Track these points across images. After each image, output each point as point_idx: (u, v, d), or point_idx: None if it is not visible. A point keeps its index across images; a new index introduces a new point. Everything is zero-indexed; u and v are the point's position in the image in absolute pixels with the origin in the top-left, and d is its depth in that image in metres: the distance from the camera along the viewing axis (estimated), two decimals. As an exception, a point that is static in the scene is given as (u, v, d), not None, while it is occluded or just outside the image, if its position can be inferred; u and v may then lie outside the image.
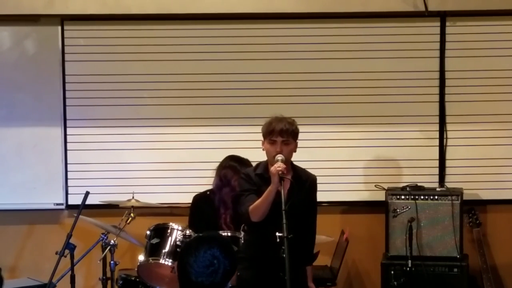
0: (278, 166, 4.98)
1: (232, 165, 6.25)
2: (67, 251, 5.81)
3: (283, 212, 4.86)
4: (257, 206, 5.09)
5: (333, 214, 6.79)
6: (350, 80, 6.73)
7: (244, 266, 5.22)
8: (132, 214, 6.21)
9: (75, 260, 5.98)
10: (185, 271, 3.41)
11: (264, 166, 5.17)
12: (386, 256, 6.40)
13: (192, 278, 3.40)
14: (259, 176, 5.17)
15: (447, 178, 6.71)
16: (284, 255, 4.81)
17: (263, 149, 5.19)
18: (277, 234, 4.90)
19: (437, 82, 6.72)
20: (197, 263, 3.40)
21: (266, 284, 5.11)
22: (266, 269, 5.08)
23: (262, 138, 5.19)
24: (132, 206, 6.29)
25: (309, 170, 6.61)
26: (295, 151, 5.21)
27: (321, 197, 6.71)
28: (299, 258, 5.19)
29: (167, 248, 5.71)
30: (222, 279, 3.43)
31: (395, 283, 6.28)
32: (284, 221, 4.84)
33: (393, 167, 6.75)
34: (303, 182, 5.23)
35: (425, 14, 6.56)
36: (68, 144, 6.86)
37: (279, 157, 5.04)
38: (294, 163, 5.25)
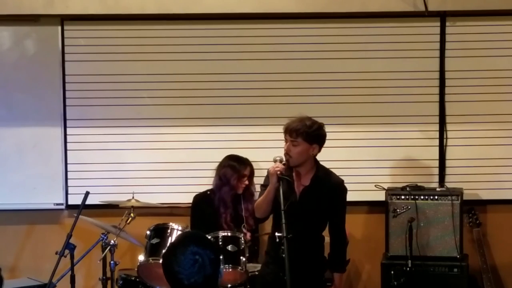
0: (276, 166, 5.00)
1: (232, 165, 6.27)
2: (67, 251, 5.81)
3: (282, 212, 4.88)
4: (258, 204, 5.15)
5: (333, 214, 6.78)
6: (350, 80, 6.73)
7: (267, 261, 5.32)
8: (132, 214, 6.21)
9: (75, 260, 5.98)
10: (176, 280, 3.41)
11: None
12: (386, 256, 6.40)
13: (185, 283, 3.40)
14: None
15: (447, 178, 6.71)
16: (284, 255, 4.83)
17: None
18: (277, 234, 4.92)
19: (437, 82, 6.72)
20: (182, 266, 3.39)
21: (279, 282, 5.10)
22: (281, 267, 5.07)
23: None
24: (132, 206, 6.29)
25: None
26: (313, 154, 5.19)
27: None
28: (312, 259, 5.25)
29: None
30: (212, 270, 3.43)
31: (395, 283, 6.27)
32: (283, 221, 4.86)
33: (393, 167, 6.75)
34: (322, 184, 5.21)
35: (425, 14, 6.56)
36: (68, 144, 6.86)
37: (278, 157, 5.06)
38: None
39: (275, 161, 5.07)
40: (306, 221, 5.16)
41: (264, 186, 5.25)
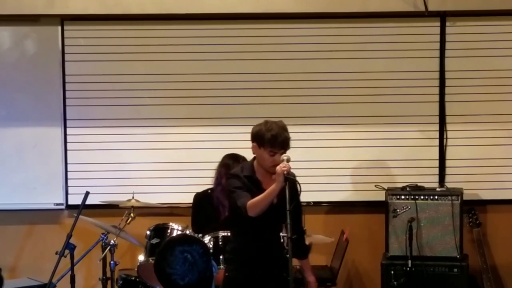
0: (283, 166, 4.94)
1: (226, 163, 6.22)
2: (67, 251, 5.80)
3: (288, 212, 4.85)
4: (257, 203, 5.02)
5: (333, 214, 6.79)
6: (350, 80, 6.73)
7: (234, 267, 5.18)
8: (132, 214, 6.21)
9: (75, 260, 5.97)
10: (171, 282, 3.41)
11: (250, 168, 5.12)
12: (386, 256, 6.40)
13: (180, 283, 3.40)
14: (247, 178, 5.11)
15: (447, 178, 6.71)
16: (288, 255, 4.82)
17: (253, 153, 5.11)
18: (281, 234, 4.90)
19: (437, 82, 6.72)
20: (174, 267, 3.40)
21: (258, 285, 5.09)
22: (258, 269, 5.06)
23: (253, 141, 5.09)
24: (132, 206, 6.29)
25: (309, 170, 6.63)
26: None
27: (321, 197, 6.74)
28: (280, 256, 5.19)
29: (167, 248, 5.70)
30: (203, 263, 3.43)
31: (395, 283, 6.28)
32: (289, 221, 4.84)
33: (393, 167, 6.75)
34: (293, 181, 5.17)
35: (425, 14, 6.56)
36: (68, 144, 6.86)
37: (285, 156, 5.00)
38: (291, 162, 5.20)
39: (282, 160, 5.04)
40: (280, 220, 5.12)
41: (238, 188, 5.06)
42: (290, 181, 4.98)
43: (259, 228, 4.99)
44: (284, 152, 5.01)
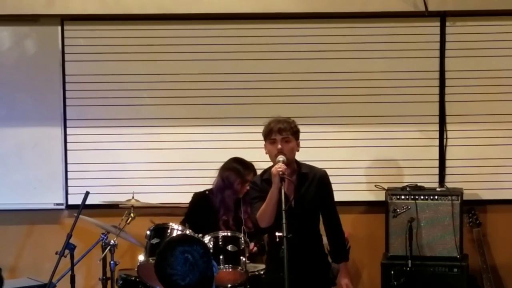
0: (278, 167, 4.99)
1: (236, 168, 6.23)
2: (67, 251, 5.81)
3: (283, 212, 4.87)
4: (263, 211, 5.10)
5: (333, 214, 6.78)
6: (350, 80, 6.73)
7: (268, 269, 5.33)
8: (132, 214, 6.21)
9: (75, 260, 5.98)
10: (172, 283, 3.41)
11: (270, 171, 5.15)
12: (386, 256, 6.40)
13: (181, 283, 3.40)
14: (266, 182, 5.18)
15: (447, 178, 6.71)
16: (283, 255, 4.82)
17: (266, 153, 5.20)
18: (277, 234, 4.91)
19: (437, 82, 6.72)
20: (175, 268, 3.40)
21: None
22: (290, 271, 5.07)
23: (264, 141, 5.21)
24: (132, 206, 6.29)
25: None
26: (297, 150, 5.22)
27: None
28: (315, 257, 5.26)
29: (167, 248, 5.69)
30: (204, 264, 3.43)
31: (395, 283, 6.27)
32: (284, 221, 4.85)
33: (393, 167, 6.75)
34: (309, 179, 5.22)
35: (425, 14, 6.56)
36: (68, 144, 6.86)
37: (280, 158, 5.04)
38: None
39: (277, 161, 5.06)
40: (303, 219, 5.15)
41: (254, 199, 5.22)
42: (286, 181, 4.98)
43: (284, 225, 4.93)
44: (287, 138, 5.11)
